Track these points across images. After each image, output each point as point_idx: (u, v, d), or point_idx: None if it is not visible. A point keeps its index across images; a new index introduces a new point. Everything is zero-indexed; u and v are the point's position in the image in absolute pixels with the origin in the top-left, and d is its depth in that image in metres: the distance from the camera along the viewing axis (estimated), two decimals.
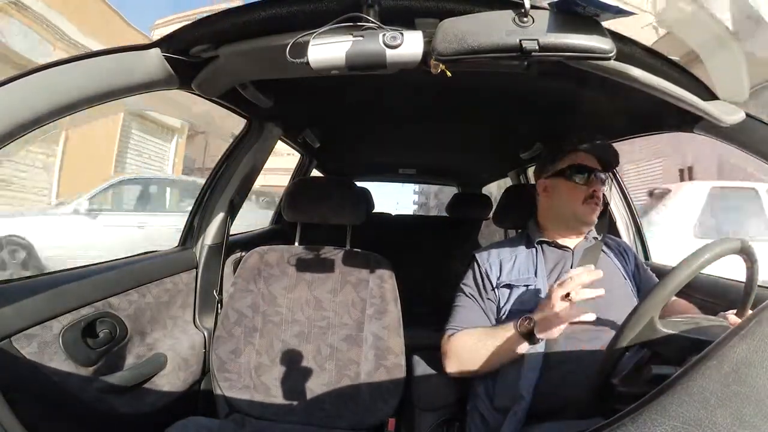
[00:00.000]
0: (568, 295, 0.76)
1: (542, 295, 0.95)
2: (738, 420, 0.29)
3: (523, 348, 0.84)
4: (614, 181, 1.51)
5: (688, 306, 0.96)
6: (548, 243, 1.04)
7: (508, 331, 0.86)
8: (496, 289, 1.00)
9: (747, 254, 0.60)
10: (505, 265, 1.02)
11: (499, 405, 0.90)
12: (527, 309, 0.93)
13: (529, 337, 0.82)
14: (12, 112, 0.55)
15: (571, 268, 0.98)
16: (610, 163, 1.05)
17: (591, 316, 0.76)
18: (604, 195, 1.43)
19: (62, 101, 0.60)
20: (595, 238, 1.06)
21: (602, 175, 1.03)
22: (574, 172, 1.01)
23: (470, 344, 0.93)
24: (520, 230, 1.15)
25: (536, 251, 1.03)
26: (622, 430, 0.32)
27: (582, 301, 0.76)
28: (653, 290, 0.58)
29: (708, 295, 1.07)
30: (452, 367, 0.96)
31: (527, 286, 0.97)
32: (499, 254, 1.05)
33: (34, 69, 0.58)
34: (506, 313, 0.97)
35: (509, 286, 0.99)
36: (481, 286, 1.02)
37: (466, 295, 1.03)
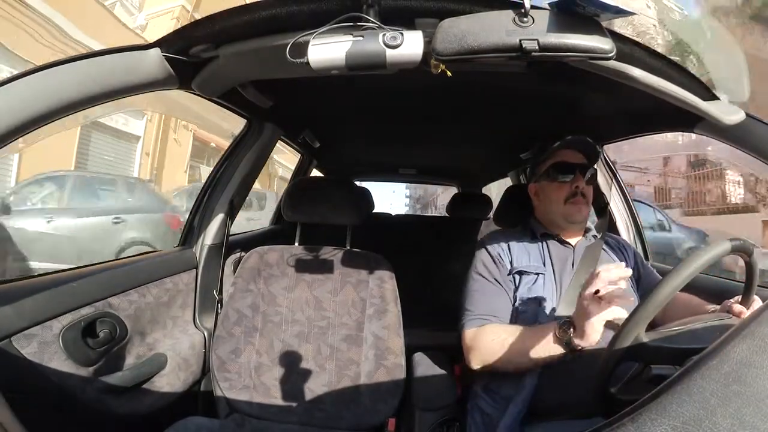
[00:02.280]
0: (597, 292, 0.73)
1: (553, 285, 0.95)
2: (738, 420, 0.29)
3: (559, 353, 0.81)
4: (614, 181, 1.51)
5: (689, 299, 0.96)
6: (552, 237, 1.04)
7: (546, 334, 0.82)
8: (510, 275, 0.99)
9: (741, 251, 0.59)
10: (515, 251, 1.02)
11: (504, 394, 0.91)
12: (537, 297, 0.94)
13: (568, 344, 0.79)
14: (12, 112, 0.55)
15: (573, 265, 0.99)
16: (592, 155, 1.04)
17: (623, 313, 0.72)
18: (603, 195, 1.43)
19: (62, 101, 0.60)
20: (594, 237, 1.06)
21: (588, 170, 1.02)
22: (555, 170, 1.03)
23: (500, 342, 0.88)
24: (519, 226, 1.15)
25: (542, 244, 1.04)
26: (622, 430, 0.32)
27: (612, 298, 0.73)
28: (637, 308, 0.58)
29: (708, 294, 1.07)
30: (477, 362, 0.91)
31: (537, 274, 0.97)
32: (508, 241, 1.05)
33: (34, 69, 0.58)
34: (517, 300, 0.96)
35: (521, 273, 0.98)
36: (497, 270, 1.00)
37: (486, 279, 1.00)
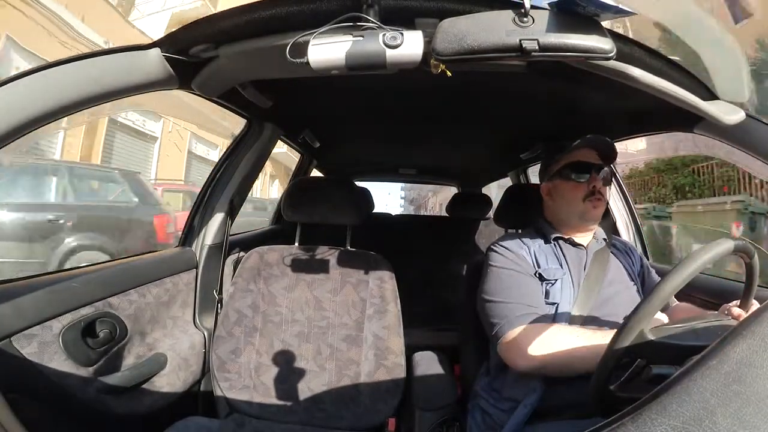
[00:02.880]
0: None
1: (570, 288, 0.93)
2: (738, 420, 0.29)
3: None
4: (614, 181, 1.51)
5: (689, 308, 0.96)
6: (564, 240, 1.02)
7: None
8: (534, 276, 0.96)
9: (743, 251, 0.59)
10: (534, 253, 1.00)
11: (509, 395, 0.90)
12: (555, 302, 0.92)
13: None
14: (12, 112, 0.55)
15: (585, 268, 0.97)
16: (608, 155, 1.01)
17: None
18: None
19: (62, 101, 0.60)
20: (604, 239, 1.05)
21: (603, 170, 1.00)
22: (571, 170, 1.00)
23: (562, 344, 0.79)
24: (527, 228, 1.13)
25: (556, 247, 1.01)
26: (622, 430, 0.32)
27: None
28: (640, 304, 0.58)
29: (708, 294, 1.07)
30: (528, 362, 0.82)
31: (557, 279, 0.95)
32: (524, 244, 1.02)
33: (34, 69, 0.58)
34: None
35: (541, 277, 0.96)
36: (524, 265, 0.97)
37: (516, 271, 0.94)
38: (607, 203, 1.42)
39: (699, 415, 0.30)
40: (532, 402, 0.84)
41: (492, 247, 1.04)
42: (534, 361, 0.82)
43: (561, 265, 0.97)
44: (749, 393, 0.30)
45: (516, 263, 0.97)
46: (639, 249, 1.48)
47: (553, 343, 0.81)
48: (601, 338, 0.78)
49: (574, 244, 1.02)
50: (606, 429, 0.34)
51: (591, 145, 1.01)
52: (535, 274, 0.96)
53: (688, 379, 0.33)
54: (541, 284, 0.95)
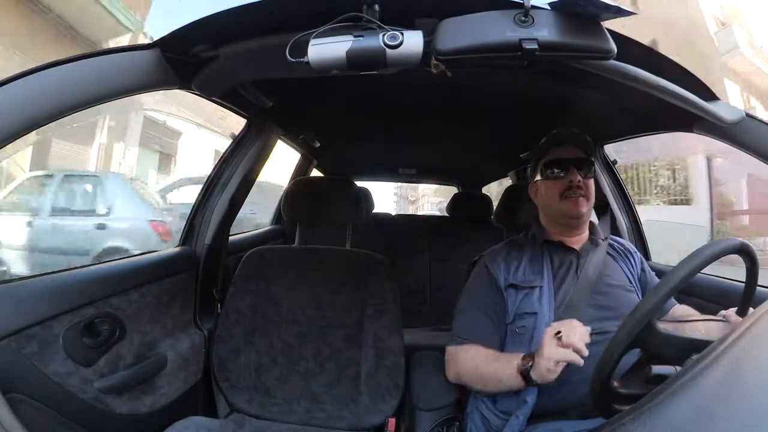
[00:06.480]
0: (558, 333, 0.75)
1: (549, 297, 0.92)
2: (738, 420, 0.29)
3: (520, 385, 0.81)
4: (614, 180, 1.50)
5: (688, 311, 0.96)
6: (553, 243, 1.01)
7: (511, 365, 0.82)
8: (504, 291, 0.97)
9: (747, 253, 0.60)
10: (512, 266, 0.99)
11: (502, 408, 0.90)
12: (532, 312, 0.92)
13: (526, 377, 0.79)
14: (12, 112, 0.55)
15: (577, 270, 0.96)
16: (585, 147, 1.01)
17: (580, 361, 0.72)
18: (604, 194, 1.43)
19: (62, 101, 0.60)
20: (601, 240, 1.03)
21: (584, 164, 0.98)
22: (548, 168, 1.00)
23: (473, 367, 0.92)
24: (524, 232, 1.13)
25: (542, 252, 1.00)
26: (621, 430, 0.32)
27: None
28: (651, 293, 0.58)
29: (708, 295, 1.07)
30: (452, 377, 0.98)
31: (533, 287, 0.94)
32: (507, 255, 1.02)
33: (34, 69, 0.59)
34: (512, 315, 0.94)
35: (515, 287, 0.96)
36: (489, 290, 0.98)
37: (475, 302, 0.99)
38: (608, 204, 1.43)
39: (699, 414, 0.30)
40: (525, 412, 0.84)
41: (475, 260, 1.07)
42: (454, 376, 0.97)
43: (542, 273, 0.96)
44: (749, 392, 0.30)
45: (479, 292, 1.00)
46: (639, 249, 1.47)
47: (467, 365, 0.93)
48: (502, 362, 0.86)
49: (564, 247, 1.00)
50: (606, 429, 0.34)
51: (564, 141, 1.01)
52: (506, 288, 0.97)
53: (688, 379, 0.33)
54: (516, 293, 0.95)
